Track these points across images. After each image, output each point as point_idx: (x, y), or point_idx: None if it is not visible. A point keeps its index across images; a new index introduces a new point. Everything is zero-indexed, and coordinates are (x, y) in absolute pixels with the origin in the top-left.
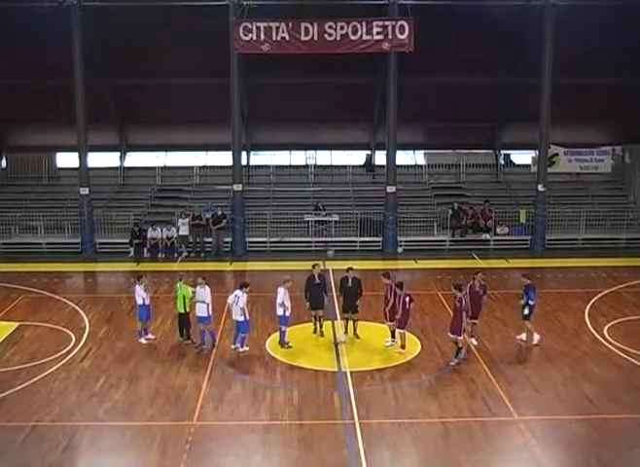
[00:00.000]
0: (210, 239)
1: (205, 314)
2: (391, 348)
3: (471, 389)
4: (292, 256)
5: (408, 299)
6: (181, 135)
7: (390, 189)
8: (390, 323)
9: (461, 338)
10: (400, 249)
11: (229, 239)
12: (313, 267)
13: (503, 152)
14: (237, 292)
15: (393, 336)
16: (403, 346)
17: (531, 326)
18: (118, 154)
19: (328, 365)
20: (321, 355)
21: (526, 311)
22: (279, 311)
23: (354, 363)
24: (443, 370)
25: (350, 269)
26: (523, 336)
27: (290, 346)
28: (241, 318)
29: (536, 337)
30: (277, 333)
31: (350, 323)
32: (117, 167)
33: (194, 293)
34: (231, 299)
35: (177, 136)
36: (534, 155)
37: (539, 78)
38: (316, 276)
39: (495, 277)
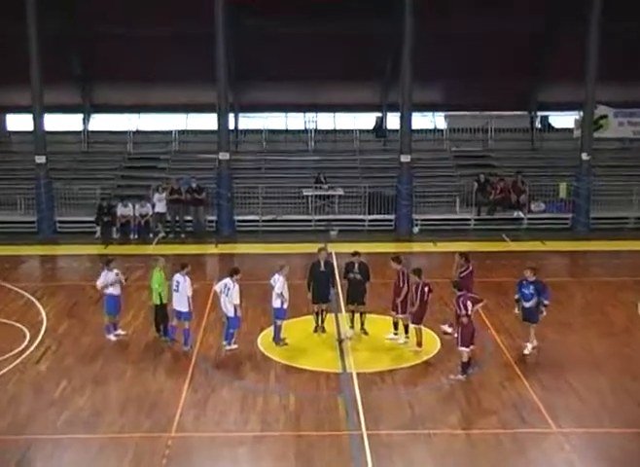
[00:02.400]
0: (191, 217)
1: (185, 309)
2: (405, 346)
3: (500, 395)
4: (288, 237)
5: (427, 289)
6: (157, 94)
7: (404, 158)
8: (400, 316)
9: (467, 349)
10: (416, 229)
11: (213, 218)
12: (319, 251)
13: (540, 113)
14: (227, 281)
15: (397, 329)
16: (419, 344)
17: (534, 332)
18: (81, 116)
19: (330, 365)
20: (322, 354)
21: (543, 314)
22: (276, 303)
23: (361, 363)
24: (467, 372)
25: (357, 253)
26: (529, 346)
27: (286, 344)
28: (231, 313)
29: (529, 345)
30: (271, 328)
31: (357, 316)
32: (80, 132)
33: (160, 285)
34: (218, 287)
35: (152, 95)
36: (577, 117)
37: (584, 23)
38: (322, 263)
39: (529, 263)
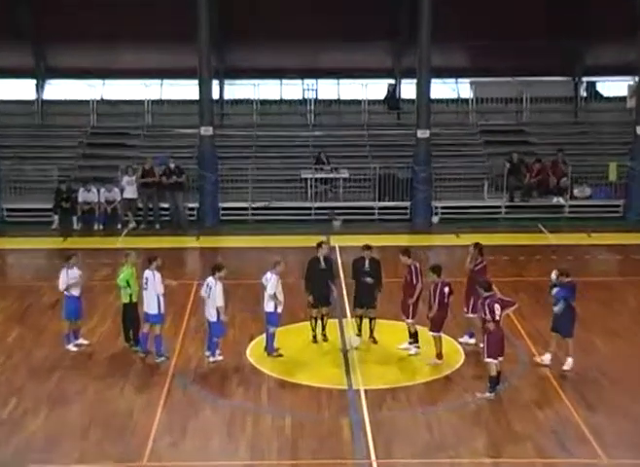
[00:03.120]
0: (168, 205)
1: (155, 311)
2: (420, 358)
3: (536, 417)
4: (283, 228)
5: (447, 289)
6: (125, 57)
7: (422, 133)
8: (410, 320)
9: (496, 362)
10: (435, 219)
11: (194, 205)
12: (319, 246)
13: (585, 79)
14: (209, 280)
15: (413, 337)
16: (439, 356)
17: (571, 345)
18: (33, 82)
19: (334, 381)
20: (324, 367)
21: (568, 323)
22: (268, 307)
23: (370, 378)
24: (496, 389)
25: (368, 247)
26: (569, 361)
27: (280, 355)
28: (214, 317)
29: (570, 360)
30: (263, 336)
31: (365, 322)
32: (32, 101)
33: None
34: (204, 291)
35: (119, 58)
36: (631, 83)
37: None
38: (322, 259)
39: (571, 259)
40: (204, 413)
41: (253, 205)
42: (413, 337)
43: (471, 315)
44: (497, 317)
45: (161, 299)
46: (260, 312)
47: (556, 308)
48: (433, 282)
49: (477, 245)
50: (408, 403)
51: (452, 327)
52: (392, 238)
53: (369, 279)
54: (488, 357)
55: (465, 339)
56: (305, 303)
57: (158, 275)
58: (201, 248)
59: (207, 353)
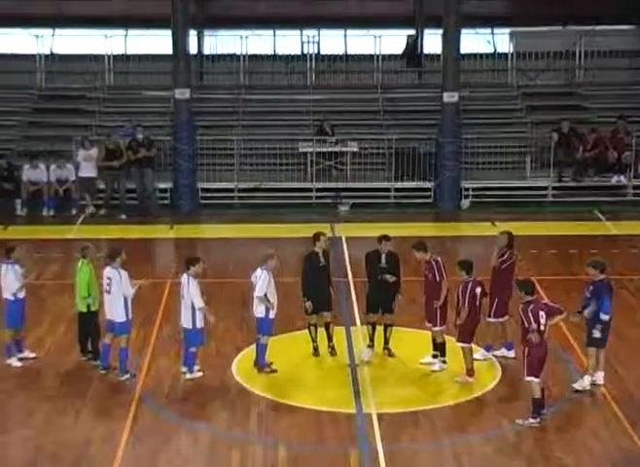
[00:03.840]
0: (134, 185)
1: (123, 319)
2: (447, 375)
3: (592, 450)
4: (277, 215)
5: (479, 290)
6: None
7: (449, 97)
8: (436, 329)
9: (538, 380)
10: (465, 203)
11: (167, 186)
12: (316, 238)
13: None
14: (183, 277)
15: (438, 350)
16: (469, 372)
17: (602, 357)
18: None
19: (339, 403)
20: (328, 386)
21: (597, 333)
22: (258, 311)
23: (385, 400)
24: (541, 414)
25: (386, 237)
26: (598, 377)
27: (274, 370)
28: (189, 324)
29: (600, 374)
30: (251, 347)
31: (380, 330)
32: None
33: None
34: (184, 291)
35: (74, 2)
36: None
37: None
38: (321, 255)
39: (636, 252)
40: (179, 443)
41: (240, 186)
42: (439, 348)
43: (492, 320)
44: (542, 327)
45: (129, 303)
46: (248, 318)
47: (586, 312)
48: (462, 281)
49: (505, 234)
50: (432, 430)
51: (486, 336)
52: (411, 228)
53: (388, 276)
54: (529, 375)
55: (502, 351)
56: (305, 312)
57: (124, 274)
58: (176, 239)
59: (183, 369)
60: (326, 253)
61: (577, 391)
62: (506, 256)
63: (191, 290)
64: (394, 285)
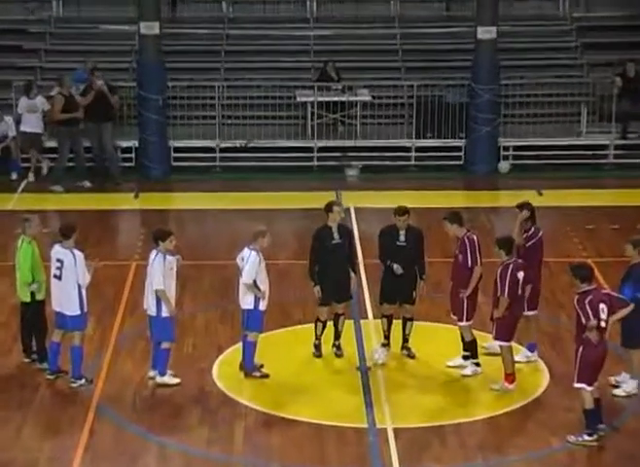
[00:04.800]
0: (90, 144)
1: (76, 311)
2: (481, 381)
3: None
4: (269, 180)
5: (521, 275)
6: None
7: (485, 33)
8: (463, 323)
9: (591, 388)
10: (505, 166)
11: (131, 144)
12: (328, 209)
13: None
14: (152, 254)
15: (470, 350)
16: (509, 378)
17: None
18: None
19: (347, 415)
20: (333, 394)
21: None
22: (245, 302)
23: (404, 411)
24: (597, 430)
25: (403, 211)
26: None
27: (265, 375)
28: (153, 310)
29: (632, 383)
30: (236, 346)
31: (397, 325)
32: None
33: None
34: (150, 267)
35: None
36: None
37: None
38: (334, 230)
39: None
40: (147, 464)
41: (222, 145)
42: (470, 348)
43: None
44: (602, 323)
45: (83, 292)
46: (233, 311)
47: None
48: (501, 264)
49: (526, 207)
50: (462, 450)
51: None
52: (437, 197)
53: (395, 267)
54: (580, 381)
55: (523, 354)
56: (304, 296)
57: (79, 255)
58: (142, 211)
59: (152, 373)
60: (343, 228)
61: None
62: (531, 231)
63: (154, 267)
64: (415, 269)
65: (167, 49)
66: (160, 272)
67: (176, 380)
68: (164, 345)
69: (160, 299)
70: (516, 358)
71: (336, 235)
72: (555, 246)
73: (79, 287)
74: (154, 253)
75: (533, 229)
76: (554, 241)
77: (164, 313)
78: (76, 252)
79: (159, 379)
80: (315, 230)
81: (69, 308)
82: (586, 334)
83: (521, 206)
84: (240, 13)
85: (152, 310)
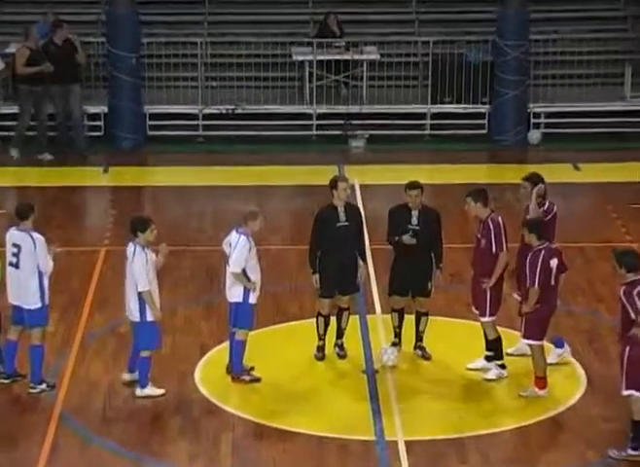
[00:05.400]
0: (53, 110)
1: (36, 304)
2: (507, 386)
3: None
4: (261, 153)
5: (555, 262)
6: None
7: None
8: (486, 319)
9: (638, 394)
10: (535, 135)
11: (99, 110)
12: (333, 186)
13: None
14: (129, 247)
15: (494, 350)
16: (540, 382)
17: None
18: None
19: (352, 426)
20: (335, 402)
21: None
22: (233, 294)
23: (417, 421)
24: None
25: (415, 186)
26: None
27: (256, 379)
28: (136, 315)
29: None
30: (222, 346)
31: (409, 320)
32: None
33: None
34: (129, 267)
35: None
36: None
37: None
38: (340, 210)
39: None
40: None
41: (206, 112)
42: (493, 348)
43: (519, 297)
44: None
45: (45, 282)
46: (219, 304)
47: None
48: (530, 249)
49: (540, 180)
50: (487, 465)
51: (565, 329)
52: (456, 171)
53: (406, 237)
54: (630, 388)
55: (553, 354)
56: (302, 287)
57: (39, 239)
58: (113, 188)
59: (127, 377)
60: (351, 208)
61: None
62: (547, 206)
63: (135, 266)
64: (431, 256)
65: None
66: (144, 271)
67: (160, 391)
68: (145, 353)
69: (144, 302)
70: (548, 360)
71: (342, 216)
72: (594, 229)
73: (40, 276)
74: (132, 247)
75: (548, 203)
76: (593, 223)
77: (149, 318)
78: (35, 235)
79: (139, 392)
80: (318, 210)
81: (28, 301)
82: (634, 331)
83: (534, 179)
84: None
85: (135, 316)
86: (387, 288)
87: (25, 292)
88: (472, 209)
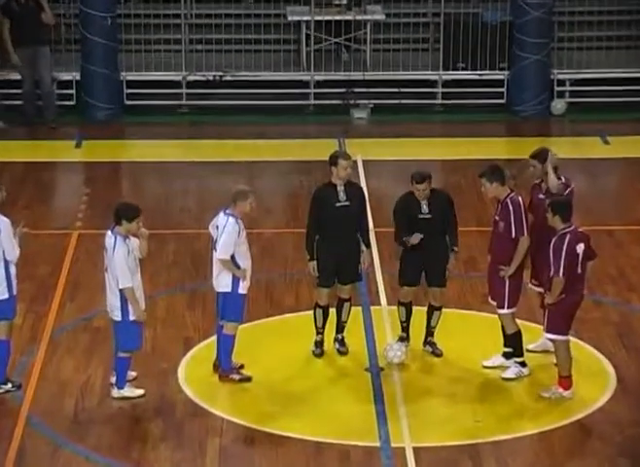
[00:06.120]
0: (19, 76)
1: (3, 295)
2: (528, 386)
3: None
4: (252, 125)
5: (582, 247)
6: None
7: None
8: (505, 311)
9: None
10: (559, 105)
11: (70, 77)
12: (333, 162)
13: None
14: (109, 238)
15: (512, 346)
16: (564, 382)
17: None
18: None
19: (354, 430)
20: (336, 404)
21: None
22: (221, 283)
23: (427, 426)
24: None
25: (423, 177)
26: None
27: (246, 378)
28: (117, 313)
29: None
30: (209, 341)
31: (419, 313)
32: None
33: None
34: (108, 259)
35: None
36: None
37: None
38: (340, 189)
39: None
40: None
41: (190, 78)
42: (512, 343)
43: (535, 287)
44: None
45: (12, 270)
46: (205, 294)
47: None
48: (559, 233)
49: (543, 156)
50: None
51: (590, 325)
52: (471, 145)
53: (412, 238)
54: None
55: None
56: (298, 275)
57: (3, 223)
58: (86, 164)
59: (112, 379)
60: (352, 187)
61: None
62: (563, 179)
63: (116, 260)
64: (446, 242)
65: None
66: (126, 266)
67: (139, 392)
68: (124, 354)
69: (126, 299)
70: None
71: (342, 196)
72: (625, 210)
73: (5, 263)
74: (112, 238)
75: (563, 178)
76: (623, 203)
77: (132, 317)
78: (3, 220)
79: (116, 393)
80: (315, 188)
81: (4, 294)
82: None
83: (543, 156)
84: None
85: (116, 314)
86: (397, 279)
87: None
88: (489, 191)
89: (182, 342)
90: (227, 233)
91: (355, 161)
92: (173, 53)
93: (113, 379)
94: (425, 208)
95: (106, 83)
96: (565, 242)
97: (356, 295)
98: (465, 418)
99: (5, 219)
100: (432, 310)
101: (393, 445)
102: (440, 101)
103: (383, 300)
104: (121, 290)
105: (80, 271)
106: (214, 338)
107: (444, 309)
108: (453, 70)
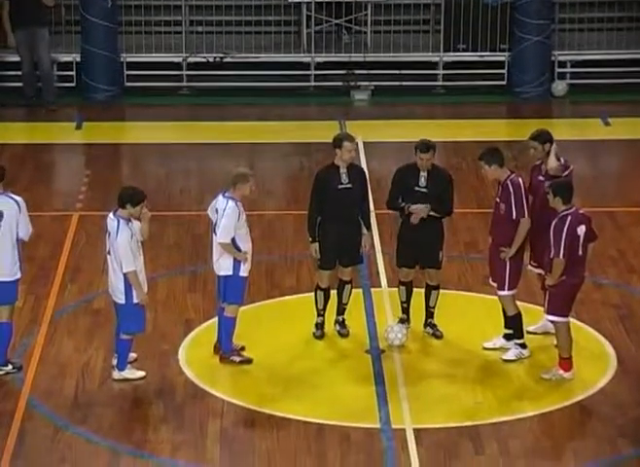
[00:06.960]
0: (19, 58)
1: (11, 276)
2: (528, 368)
3: None
4: (252, 106)
5: (583, 229)
6: None
7: None
8: (505, 293)
9: None
10: (560, 86)
11: (70, 58)
12: (337, 144)
13: None
14: (111, 221)
15: (513, 328)
16: (565, 363)
17: None
18: None
19: (354, 412)
20: (336, 386)
21: None
22: (221, 266)
23: (428, 408)
24: None
25: (428, 146)
26: None
27: (247, 360)
28: (121, 296)
29: None
30: (209, 323)
31: (418, 295)
32: None
33: None
34: (111, 243)
35: None
36: None
37: None
38: (343, 171)
39: None
40: None
41: (191, 60)
42: (513, 325)
43: (534, 269)
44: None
45: (17, 252)
46: (205, 276)
47: None
48: (560, 215)
49: (544, 138)
50: (505, 456)
51: (591, 306)
52: (472, 127)
53: (416, 207)
54: None
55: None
56: (299, 257)
57: (11, 202)
58: (86, 145)
59: (114, 361)
60: (355, 169)
61: None
62: (562, 160)
63: (119, 244)
64: (442, 223)
65: None
66: (129, 249)
67: (140, 374)
68: (125, 336)
69: (129, 283)
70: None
71: (344, 178)
72: (626, 192)
73: (16, 243)
74: (114, 221)
75: (563, 160)
76: (625, 185)
77: (135, 300)
78: (17, 198)
79: (117, 375)
80: (318, 170)
81: (3, 273)
82: None
83: (543, 138)
84: None
85: (119, 297)
86: (394, 259)
87: (1, 264)
88: (488, 173)
89: (183, 324)
90: (226, 216)
91: (356, 143)
92: (173, 35)
93: (114, 361)
94: (423, 181)
95: (106, 64)
96: (566, 224)
97: (357, 277)
98: (465, 400)
99: (21, 199)
100: (429, 290)
101: (393, 426)
102: (440, 83)
103: (384, 282)
104: (124, 274)
105: (80, 253)
106: (215, 320)
107: (444, 291)
108: (454, 52)
